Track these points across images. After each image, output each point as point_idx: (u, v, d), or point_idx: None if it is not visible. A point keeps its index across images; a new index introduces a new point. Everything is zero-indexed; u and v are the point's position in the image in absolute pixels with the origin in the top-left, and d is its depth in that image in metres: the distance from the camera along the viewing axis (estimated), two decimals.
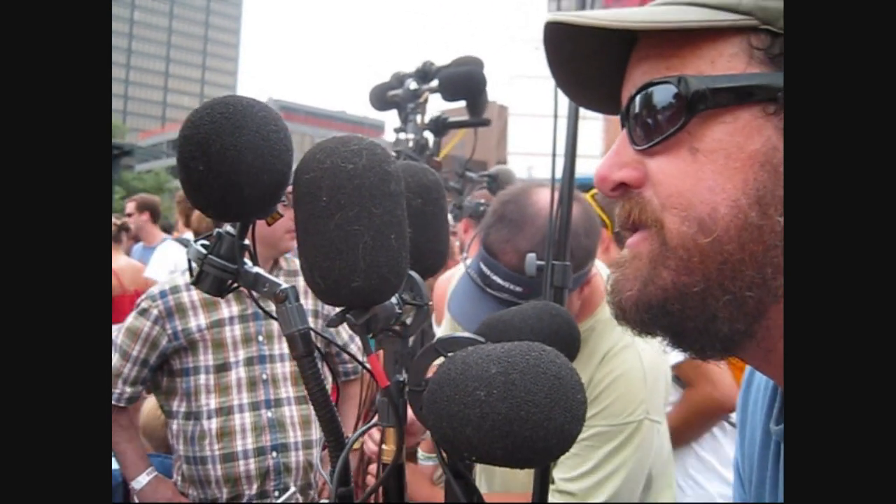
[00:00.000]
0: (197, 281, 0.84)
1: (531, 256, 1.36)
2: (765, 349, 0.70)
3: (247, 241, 0.84)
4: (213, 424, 2.44)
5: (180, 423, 2.49)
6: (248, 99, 0.67)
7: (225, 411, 2.44)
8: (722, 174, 0.66)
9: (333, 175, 0.63)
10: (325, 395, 0.82)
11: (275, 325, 2.27)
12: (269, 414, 2.48)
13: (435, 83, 2.32)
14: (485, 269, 1.59)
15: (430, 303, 0.84)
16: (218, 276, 0.83)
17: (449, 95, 2.34)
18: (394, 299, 0.80)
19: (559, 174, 1.40)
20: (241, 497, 2.44)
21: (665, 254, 0.69)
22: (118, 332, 2.53)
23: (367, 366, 0.76)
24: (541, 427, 0.57)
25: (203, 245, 0.84)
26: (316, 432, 2.54)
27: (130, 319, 2.50)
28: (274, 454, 2.46)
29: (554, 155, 1.39)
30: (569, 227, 1.34)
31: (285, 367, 2.54)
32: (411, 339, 0.88)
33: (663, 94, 0.69)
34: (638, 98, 0.71)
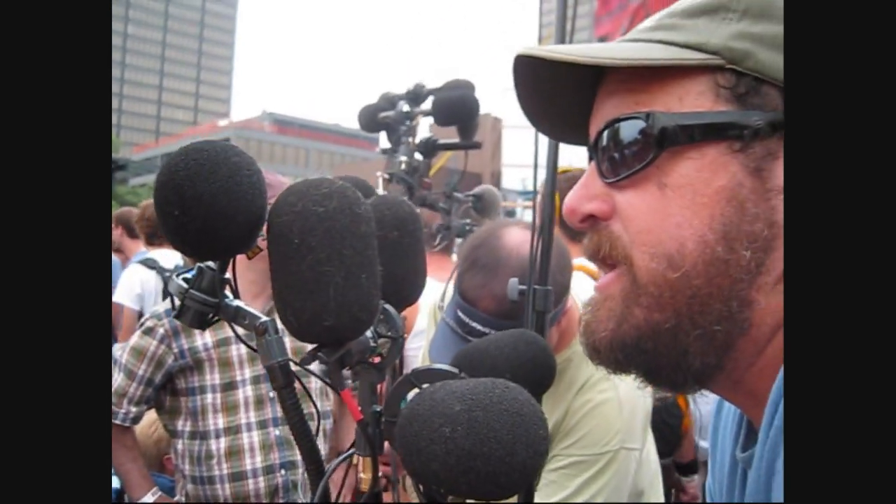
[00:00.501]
0: (179, 314, 0.86)
1: (513, 281, 1.38)
2: (733, 380, 0.72)
3: (228, 275, 0.87)
4: (221, 444, 2.41)
5: (186, 442, 2.46)
6: (223, 145, 0.70)
7: (233, 430, 2.43)
8: (689, 209, 0.68)
9: (304, 218, 0.66)
10: (304, 425, 0.84)
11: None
12: (277, 432, 2.47)
13: (428, 106, 2.35)
14: (463, 316, 1.59)
15: (406, 335, 0.86)
16: (199, 309, 0.85)
17: (442, 120, 2.37)
18: (368, 333, 0.82)
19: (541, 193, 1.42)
20: None
21: (637, 291, 0.70)
22: (122, 351, 2.51)
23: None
24: (503, 462, 0.59)
25: (185, 279, 0.86)
26: (324, 450, 2.53)
27: (135, 338, 2.48)
28: (283, 472, 2.45)
29: (535, 167, 1.42)
30: (549, 252, 1.36)
31: (309, 382, 2.54)
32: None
33: (632, 130, 0.71)
34: (607, 132, 0.73)
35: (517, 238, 1.60)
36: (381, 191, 2.31)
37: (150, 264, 4.65)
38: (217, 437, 2.43)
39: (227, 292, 0.87)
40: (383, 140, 2.50)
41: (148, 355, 2.43)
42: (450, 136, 2.51)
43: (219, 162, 0.68)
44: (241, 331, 0.85)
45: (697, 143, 0.68)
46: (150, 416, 2.98)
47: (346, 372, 0.87)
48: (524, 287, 1.36)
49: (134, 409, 2.49)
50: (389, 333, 0.84)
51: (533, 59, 0.74)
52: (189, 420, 2.47)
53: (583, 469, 1.65)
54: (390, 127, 2.42)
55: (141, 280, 4.61)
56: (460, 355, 0.93)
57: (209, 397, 2.44)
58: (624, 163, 0.71)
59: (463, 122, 2.38)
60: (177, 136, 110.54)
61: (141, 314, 4.46)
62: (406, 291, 0.93)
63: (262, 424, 2.45)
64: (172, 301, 0.87)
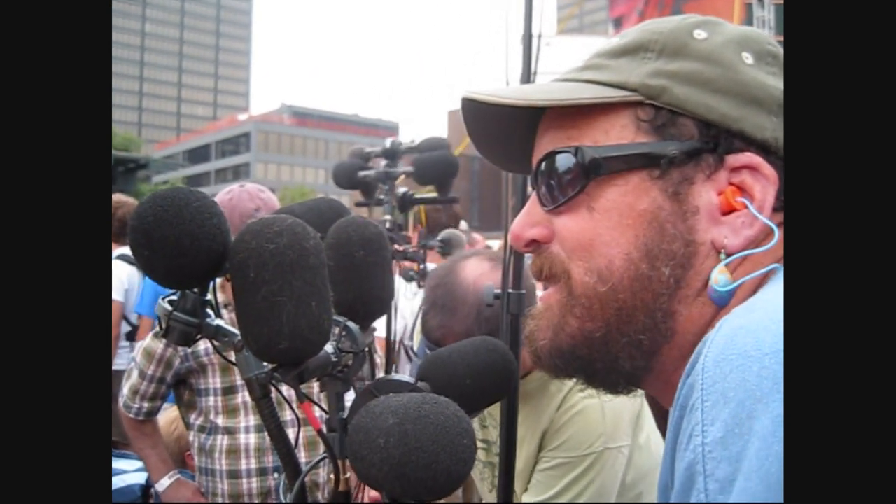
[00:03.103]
0: (165, 334, 0.95)
1: (489, 285, 1.46)
2: (662, 381, 0.80)
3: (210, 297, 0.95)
4: (222, 441, 2.58)
5: (196, 434, 2.66)
6: (187, 192, 0.79)
7: (232, 430, 2.58)
8: (616, 230, 0.76)
9: (258, 254, 0.74)
10: (281, 431, 0.93)
11: None
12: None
13: (408, 166, 2.47)
14: None
15: (366, 349, 0.94)
16: (183, 329, 0.94)
17: (423, 179, 2.49)
18: (331, 349, 0.91)
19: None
20: None
21: (572, 302, 0.79)
22: (137, 352, 2.71)
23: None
24: (429, 469, 0.68)
25: (170, 302, 0.95)
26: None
27: (147, 340, 2.67)
28: (276, 475, 2.59)
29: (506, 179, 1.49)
30: (522, 257, 1.44)
31: (290, 390, 2.65)
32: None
33: (564, 162, 0.79)
34: (543, 165, 0.81)
35: (473, 272, 1.67)
36: None
37: (130, 260, 4.74)
38: (219, 434, 2.59)
39: (210, 311, 0.96)
40: (357, 196, 2.61)
41: (157, 357, 2.60)
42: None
43: (182, 207, 0.76)
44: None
45: (621, 172, 0.76)
46: (172, 413, 3.14)
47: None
48: (499, 291, 1.43)
49: (147, 405, 2.69)
50: (352, 349, 0.93)
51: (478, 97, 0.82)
52: (200, 415, 2.64)
53: (568, 470, 1.74)
54: (369, 185, 2.53)
55: (128, 274, 4.71)
56: (425, 363, 1.01)
57: (212, 399, 2.59)
58: (559, 191, 0.79)
59: (443, 180, 2.51)
60: (198, 132, 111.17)
61: (124, 306, 4.61)
62: (373, 307, 1.01)
63: (259, 428, 2.59)
64: (160, 323, 0.96)
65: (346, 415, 0.93)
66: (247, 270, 0.75)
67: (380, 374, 1.12)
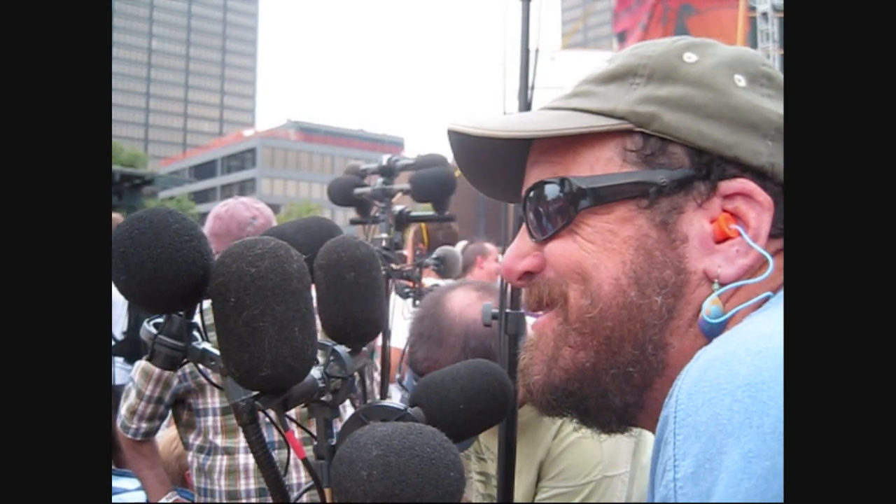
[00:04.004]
0: (151, 358, 0.92)
1: (486, 305, 1.44)
2: (654, 419, 0.77)
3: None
4: (222, 462, 2.55)
5: (195, 454, 2.62)
6: (165, 213, 0.76)
7: (231, 451, 2.54)
8: (601, 253, 0.74)
9: (239, 278, 0.72)
10: (268, 457, 0.90)
11: None
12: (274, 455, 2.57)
13: (405, 184, 2.45)
14: None
15: (354, 375, 0.92)
16: (169, 354, 0.91)
17: (420, 197, 2.48)
18: (318, 374, 0.88)
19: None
20: None
21: (567, 330, 0.76)
22: (135, 371, 2.68)
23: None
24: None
25: (155, 325, 0.92)
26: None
27: (146, 360, 2.63)
28: None
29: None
30: None
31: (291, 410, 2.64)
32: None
33: (550, 193, 0.77)
34: (530, 197, 0.80)
35: (460, 303, 1.66)
36: None
37: None
38: (218, 454, 2.56)
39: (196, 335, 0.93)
40: (352, 213, 2.60)
41: (154, 377, 2.57)
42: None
43: (160, 230, 0.74)
44: None
45: (607, 203, 0.74)
46: (173, 432, 3.12)
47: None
48: (497, 311, 1.41)
49: (145, 425, 2.66)
50: (340, 374, 0.90)
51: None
52: (199, 435, 2.61)
53: (567, 499, 1.72)
54: (364, 203, 2.51)
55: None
56: (418, 388, 0.98)
57: (210, 419, 2.56)
58: (548, 222, 0.78)
59: (440, 197, 2.49)
60: (204, 148, 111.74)
61: None
62: (364, 329, 0.99)
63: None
64: (143, 345, 0.93)
65: (335, 442, 0.90)
66: (227, 295, 0.72)
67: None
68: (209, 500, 2.57)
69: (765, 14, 16.35)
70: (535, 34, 1.44)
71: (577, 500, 1.70)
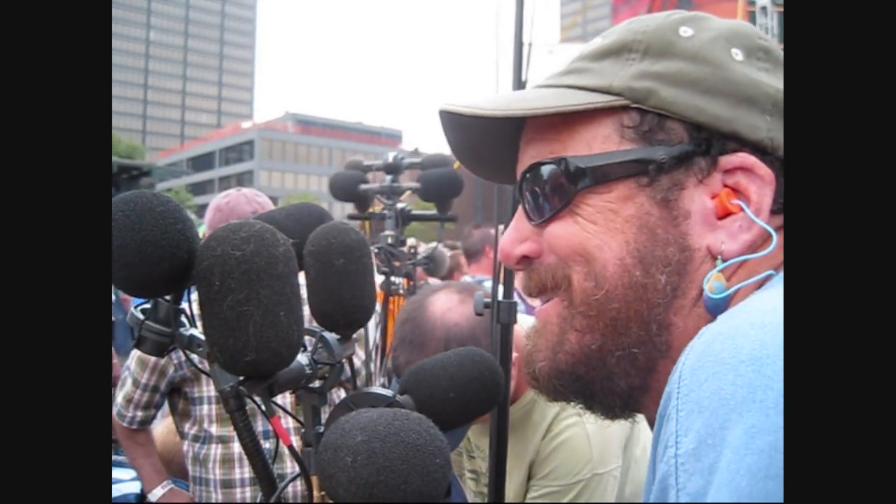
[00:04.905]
0: (138, 344, 0.91)
1: (479, 295, 1.43)
2: (655, 402, 0.75)
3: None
4: (217, 451, 2.54)
5: (190, 444, 2.63)
6: (150, 196, 0.75)
7: (226, 439, 2.54)
8: (604, 234, 0.73)
9: (223, 262, 0.71)
10: (256, 445, 0.89)
11: None
12: (267, 445, 2.56)
13: (414, 184, 2.45)
14: None
15: (343, 361, 0.91)
16: (156, 340, 0.90)
17: (429, 196, 2.49)
18: (305, 360, 0.87)
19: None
20: None
21: (572, 314, 0.75)
22: (131, 360, 2.67)
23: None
24: (398, 490, 0.64)
25: (142, 311, 0.91)
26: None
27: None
28: None
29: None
30: None
31: (285, 399, 2.62)
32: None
33: (548, 174, 0.76)
34: (527, 178, 0.78)
35: (441, 307, 1.65)
36: None
37: None
38: (213, 443, 2.55)
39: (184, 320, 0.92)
40: (349, 208, 2.60)
41: (150, 365, 2.56)
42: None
43: (144, 213, 0.73)
44: None
45: (606, 182, 0.73)
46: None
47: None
48: (489, 300, 1.40)
49: (140, 414, 2.65)
50: (329, 360, 0.89)
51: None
52: (194, 424, 2.60)
53: (557, 497, 1.71)
54: (364, 198, 2.51)
55: None
56: (408, 376, 0.97)
57: (205, 408, 2.55)
58: (546, 204, 0.76)
59: (447, 198, 2.50)
60: (201, 140, 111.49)
61: None
62: (353, 316, 0.98)
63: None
64: (132, 332, 0.92)
65: (322, 429, 0.89)
66: (212, 279, 0.71)
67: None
68: (204, 488, 2.57)
69: (764, 8, 16.31)
70: (528, 27, 1.43)
71: (567, 499, 1.70)
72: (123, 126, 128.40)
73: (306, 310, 0.91)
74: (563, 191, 0.74)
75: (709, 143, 0.71)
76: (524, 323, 1.60)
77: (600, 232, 0.73)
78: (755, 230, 0.70)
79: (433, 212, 2.60)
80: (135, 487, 3.22)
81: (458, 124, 0.83)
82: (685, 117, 0.72)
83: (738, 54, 0.73)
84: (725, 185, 0.72)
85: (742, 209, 0.70)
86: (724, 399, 0.51)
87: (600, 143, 0.74)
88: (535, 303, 0.84)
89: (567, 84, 0.77)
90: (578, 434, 1.71)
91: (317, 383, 0.92)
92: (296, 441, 2.79)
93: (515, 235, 0.80)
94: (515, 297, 1.43)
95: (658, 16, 0.77)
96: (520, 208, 0.81)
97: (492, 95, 0.85)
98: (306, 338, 0.89)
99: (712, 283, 0.69)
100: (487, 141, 0.85)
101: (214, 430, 2.54)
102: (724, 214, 0.71)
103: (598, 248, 0.73)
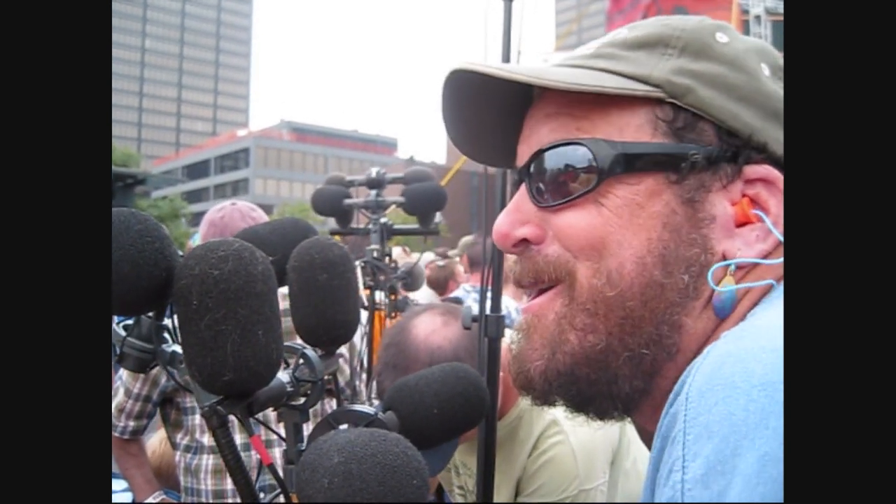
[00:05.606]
0: (120, 360, 0.91)
1: (466, 309, 1.43)
2: (653, 406, 0.72)
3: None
4: (209, 461, 2.53)
5: (182, 454, 2.61)
6: (126, 214, 0.74)
7: (218, 449, 2.53)
8: (628, 229, 0.70)
9: (202, 281, 0.70)
10: (239, 462, 0.88)
11: None
12: (254, 454, 2.56)
13: (399, 198, 2.48)
14: None
15: (325, 378, 0.90)
16: (138, 356, 0.89)
17: (414, 210, 2.54)
18: (286, 378, 0.87)
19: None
20: None
21: (573, 311, 0.72)
22: (123, 370, 2.65)
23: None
24: None
25: (124, 327, 0.90)
26: None
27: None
28: (262, 495, 2.53)
29: (486, 196, 1.45)
30: (500, 277, 1.40)
31: (268, 413, 2.63)
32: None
33: (574, 156, 0.72)
34: (545, 157, 0.74)
35: (425, 329, 1.65)
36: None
37: None
38: (205, 453, 2.54)
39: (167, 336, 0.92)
40: (331, 223, 2.63)
41: (142, 375, 2.54)
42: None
43: (121, 231, 0.72)
44: None
45: (636, 172, 0.71)
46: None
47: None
48: (477, 314, 1.39)
49: (132, 424, 2.64)
50: (310, 378, 0.88)
51: (467, 74, 0.74)
52: (186, 434, 2.60)
53: None
54: (346, 213, 2.53)
55: None
56: (392, 392, 0.97)
57: (198, 418, 2.56)
58: (566, 187, 0.72)
59: (431, 212, 2.55)
60: (197, 148, 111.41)
61: None
62: (336, 332, 0.97)
63: (246, 447, 2.53)
64: (113, 347, 0.91)
65: (304, 447, 0.88)
66: (189, 297, 0.71)
67: None
68: (195, 499, 2.55)
69: (758, 17, 16.38)
70: (516, 36, 1.43)
71: None
72: (119, 134, 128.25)
73: (289, 322, 0.90)
74: (591, 175, 0.71)
75: (736, 150, 0.71)
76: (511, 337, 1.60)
77: (623, 227, 0.70)
78: (770, 241, 0.70)
79: (415, 226, 2.62)
80: (126, 498, 3.20)
81: (458, 96, 0.79)
82: (719, 120, 0.71)
83: (766, 69, 0.74)
84: (744, 195, 0.71)
85: (761, 219, 0.70)
86: (735, 425, 0.49)
87: (633, 132, 0.72)
88: (510, 291, 0.81)
89: (600, 67, 0.74)
90: (564, 451, 1.71)
91: (301, 400, 0.91)
92: (279, 455, 2.77)
93: (516, 216, 0.75)
94: (503, 311, 1.43)
95: (692, 18, 0.76)
96: (523, 188, 0.76)
97: (510, 65, 0.83)
98: (287, 355, 0.89)
99: (724, 284, 0.69)
100: (488, 118, 0.82)
101: (206, 440, 2.53)
102: (742, 223, 0.71)
103: (619, 245, 0.70)
